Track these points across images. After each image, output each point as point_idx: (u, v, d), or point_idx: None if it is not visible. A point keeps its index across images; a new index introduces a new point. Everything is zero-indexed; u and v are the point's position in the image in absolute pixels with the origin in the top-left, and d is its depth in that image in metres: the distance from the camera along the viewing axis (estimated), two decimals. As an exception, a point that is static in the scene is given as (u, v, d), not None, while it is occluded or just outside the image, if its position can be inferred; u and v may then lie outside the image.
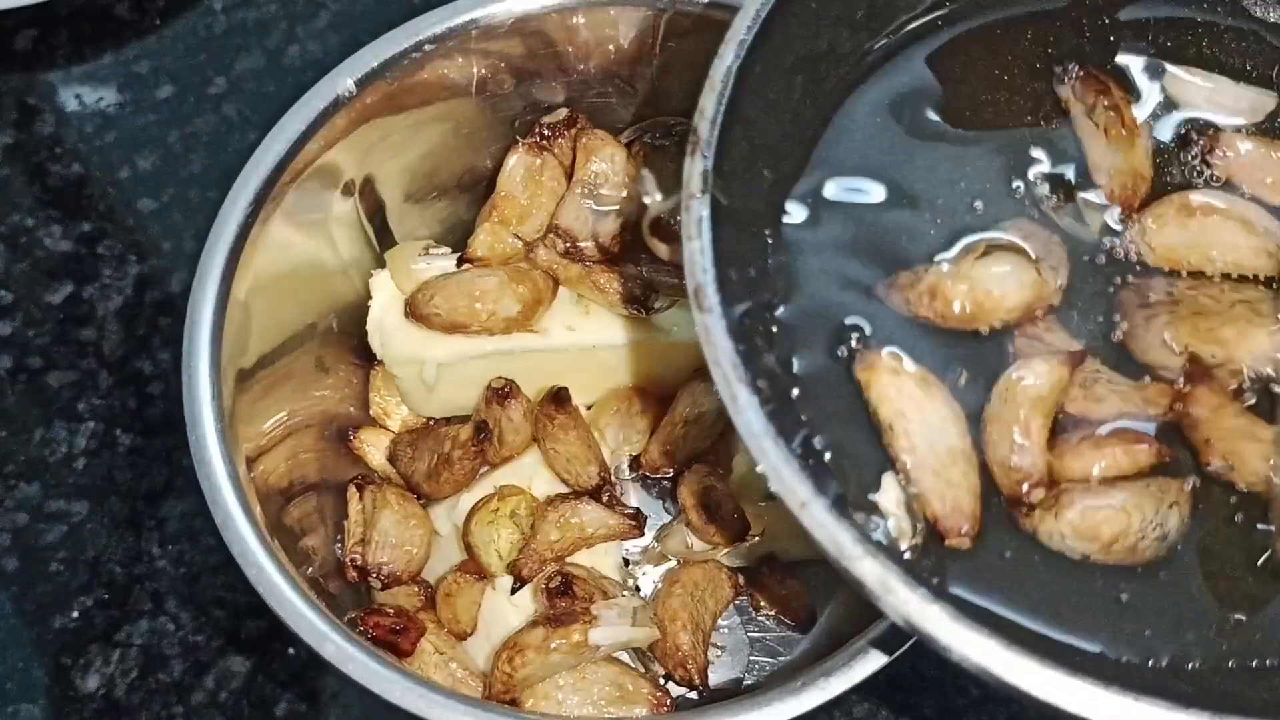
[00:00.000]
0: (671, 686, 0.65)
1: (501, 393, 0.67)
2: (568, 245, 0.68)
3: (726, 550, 0.69)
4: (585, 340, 0.68)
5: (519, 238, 0.69)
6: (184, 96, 0.88)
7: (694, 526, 0.68)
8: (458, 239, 0.72)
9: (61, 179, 0.86)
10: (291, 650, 0.72)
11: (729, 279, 0.49)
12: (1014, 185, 0.56)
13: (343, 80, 0.64)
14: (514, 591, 0.65)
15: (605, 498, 0.68)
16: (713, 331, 0.48)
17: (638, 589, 0.69)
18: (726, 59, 0.52)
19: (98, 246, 0.83)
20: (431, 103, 0.68)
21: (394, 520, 0.67)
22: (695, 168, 0.50)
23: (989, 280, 0.53)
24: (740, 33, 0.53)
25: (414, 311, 0.67)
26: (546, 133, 0.70)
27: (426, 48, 0.65)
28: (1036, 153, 0.57)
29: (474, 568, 0.67)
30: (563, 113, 0.71)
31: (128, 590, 0.74)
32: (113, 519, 0.76)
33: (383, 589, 0.66)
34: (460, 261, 0.69)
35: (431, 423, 0.72)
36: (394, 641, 0.62)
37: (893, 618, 0.45)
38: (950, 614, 0.44)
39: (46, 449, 0.77)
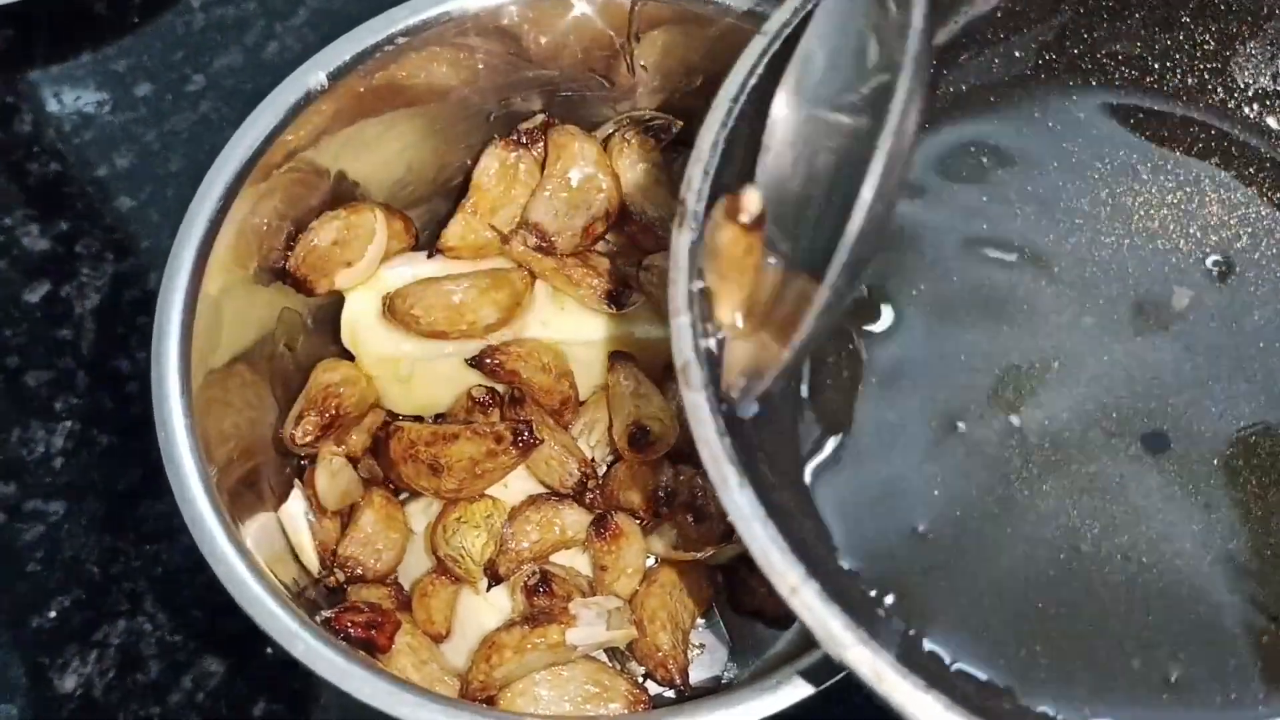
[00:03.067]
0: (650, 684, 0.65)
1: (483, 402, 0.67)
2: (539, 240, 0.67)
3: (711, 551, 0.68)
4: (559, 336, 0.67)
5: (493, 229, 0.68)
6: (162, 95, 0.88)
7: (681, 529, 0.67)
8: (432, 238, 0.71)
9: (40, 178, 0.85)
10: (269, 650, 0.71)
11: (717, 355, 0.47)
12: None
13: (315, 74, 0.64)
14: (489, 588, 0.65)
15: (589, 499, 0.67)
16: (700, 410, 0.46)
17: (615, 587, 0.69)
18: (713, 128, 0.49)
19: (76, 245, 0.83)
20: (405, 97, 0.67)
21: (373, 519, 0.66)
22: (682, 241, 0.48)
23: None
24: (727, 99, 0.49)
25: (393, 316, 0.67)
26: (524, 140, 0.70)
27: (399, 40, 0.64)
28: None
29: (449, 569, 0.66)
30: (539, 119, 0.71)
31: (105, 590, 0.73)
32: (90, 519, 0.75)
33: (346, 583, 0.66)
34: (432, 253, 0.68)
35: (402, 419, 0.71)
36: (370, 638, 0.61)
37: (889, 704, 0.43)
38: (945, 704, 0.43)
39: (24, 448, 0.77)
